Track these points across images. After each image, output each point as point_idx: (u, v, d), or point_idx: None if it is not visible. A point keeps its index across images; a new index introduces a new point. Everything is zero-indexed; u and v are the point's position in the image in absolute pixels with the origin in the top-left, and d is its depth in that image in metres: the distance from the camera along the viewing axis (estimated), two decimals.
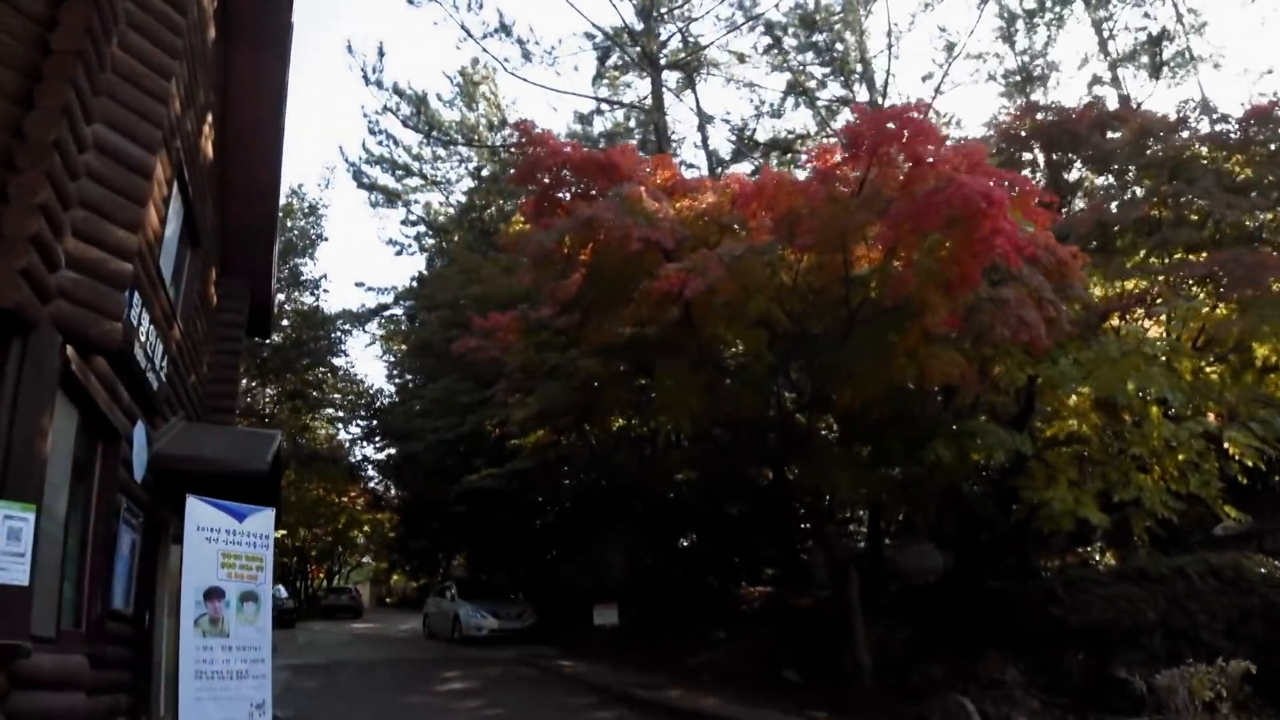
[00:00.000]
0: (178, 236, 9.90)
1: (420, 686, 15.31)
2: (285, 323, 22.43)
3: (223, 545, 7.75)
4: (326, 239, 22.65)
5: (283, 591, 33.25)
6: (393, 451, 30.87)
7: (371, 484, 36.94)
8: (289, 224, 22.22)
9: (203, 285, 11.95)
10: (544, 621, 23.30)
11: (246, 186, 12.34)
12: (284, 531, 40.76)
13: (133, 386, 7.85)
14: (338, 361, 31.71)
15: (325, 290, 23.13)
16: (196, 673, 7.25)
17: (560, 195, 14.12)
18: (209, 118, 10.54)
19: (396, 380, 31.31)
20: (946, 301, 10.54)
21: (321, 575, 60.88)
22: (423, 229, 32.72)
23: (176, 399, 10.47)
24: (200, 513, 7.67)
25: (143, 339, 7.86)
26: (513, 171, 15.82)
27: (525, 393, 16.22)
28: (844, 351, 11.81)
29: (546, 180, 14.11)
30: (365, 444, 32.68)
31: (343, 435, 35.59)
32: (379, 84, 31.45)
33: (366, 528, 50.83)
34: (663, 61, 28.47)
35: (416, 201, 31.72)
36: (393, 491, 36.88)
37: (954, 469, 12.14)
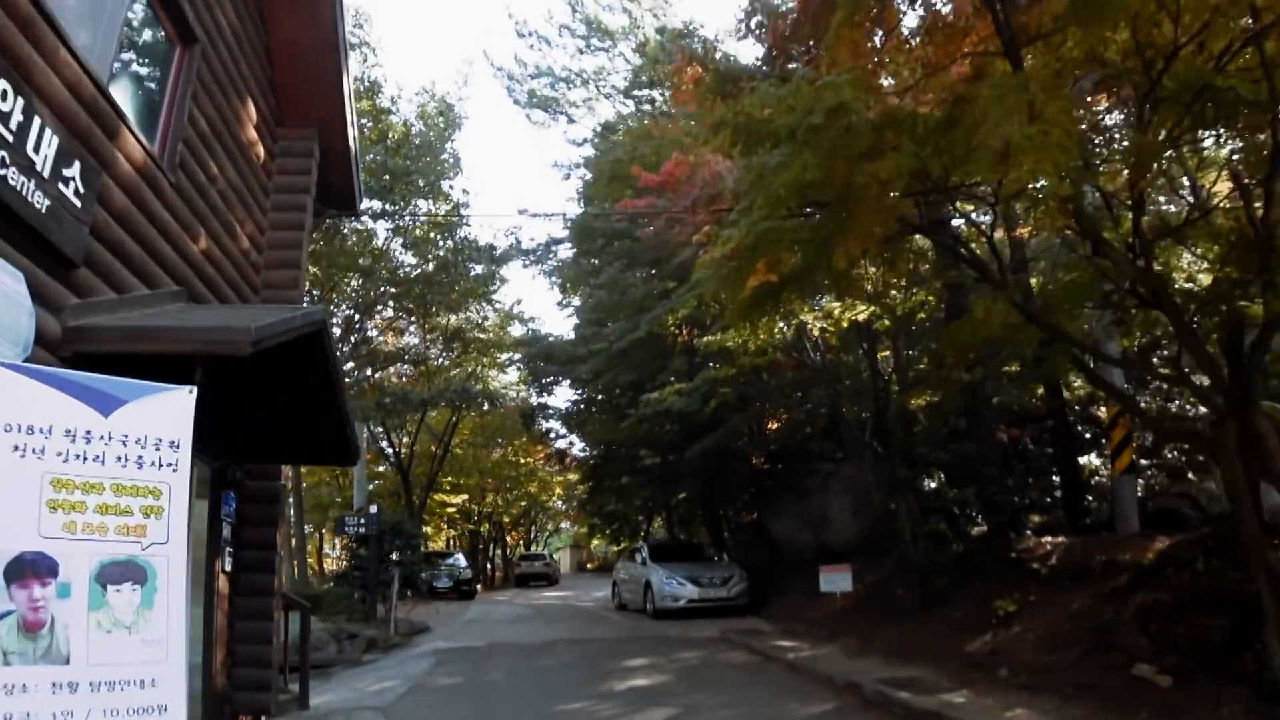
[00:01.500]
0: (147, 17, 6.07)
1: (589, 683, 11.15)
2: (437, 248, 18.67)
3: (57, 465, 3.57)
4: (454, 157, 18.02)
5: (461, 560, 30.36)
6: (572, 395, 27.08)
7: (555, 441, 33.51)
8: (420, 125, 18.42)
9: (228, 121, 8.04)
10: (753, 589, 18.80)
11: None
12: (465, 496, 38.22)
13: None
14: (501, 298, 28.43)
15: (466, 206, 19.44)
16: None
17: None
18: None
19: (571, 318, 27.34)
20: None
21: (519, 542, 59.24)
22: (584, 151, 28.55)
23: (165, 269, 6.58)
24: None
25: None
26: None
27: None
28: None
29: None
30: (541, 393, 29.07)
31: (512, 379, 32.19)
32: None
33: (559, 490, 48.11)
34: None
35: (577, 110, 27.52)
36: (577, 446, 33.38)
37: None
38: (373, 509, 16.81)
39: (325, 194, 10.38)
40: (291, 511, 20.13)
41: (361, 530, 16.71)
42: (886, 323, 13.68)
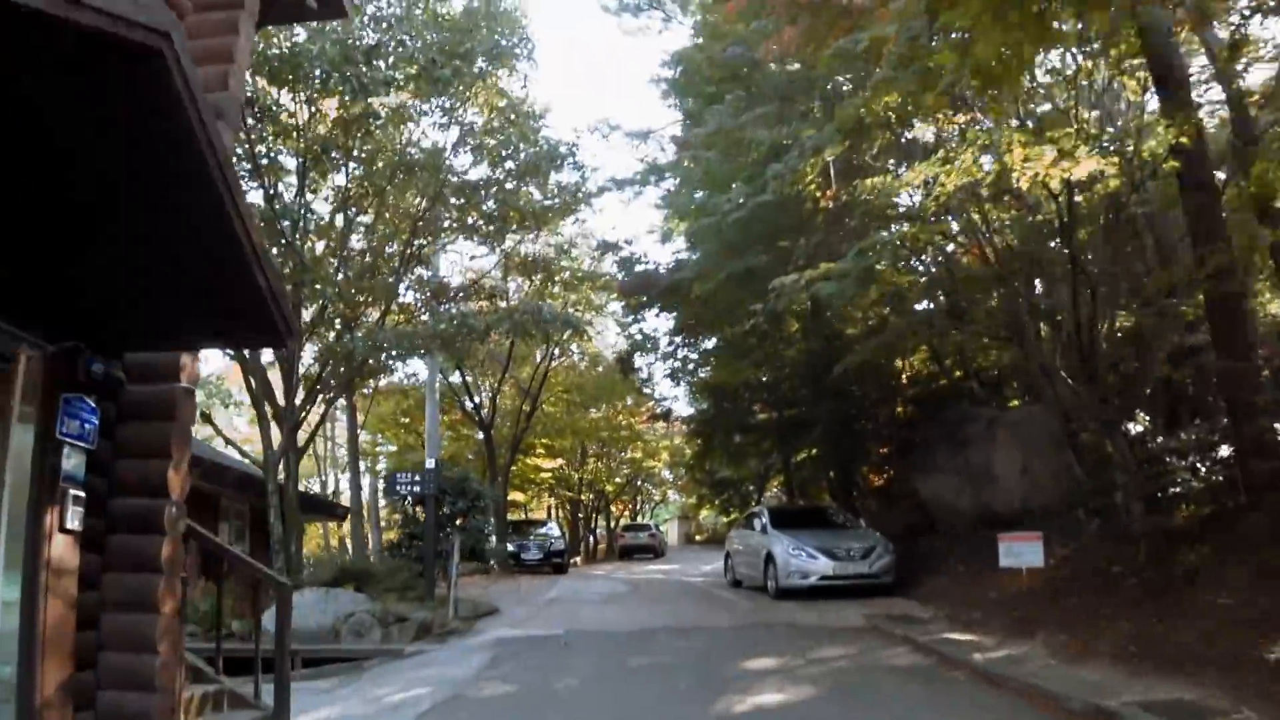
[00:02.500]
0: None
1: (698, 698, 7.67)
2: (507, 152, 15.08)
3: None
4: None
5: (554, 530, 27.20)
6: (676, 338, 23.34)
7: (654, 389, 29.85)
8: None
9: None
10: (898, 562, 14.99)
11: None
12: (561, 461, 35.18)
13: None
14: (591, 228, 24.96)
15: (541, 114, 16.00)
16: None
17: None
18: None
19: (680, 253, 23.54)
20: None
21: (625, 513, 56.42)
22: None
23: None
24: None
25: None
26: None
27: None
28: None
29: None
30: (639, 337, 25.45)
31: (607, 327, 28.78)
32: None
33: (665, 454, 44.82)
34: None
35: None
36: (682, 403, 29.92)
37: None
38: (429, 463, 13.67)
39: None
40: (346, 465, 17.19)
41: (416, 489, 13.64)
42: (1114, 181, 9.54)
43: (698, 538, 67.82)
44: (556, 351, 26.65)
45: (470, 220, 15.84)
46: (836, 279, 10.14)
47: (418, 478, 13.53)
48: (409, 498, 14.16)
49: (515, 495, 35.99)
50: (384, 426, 27.54)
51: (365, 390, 19.27)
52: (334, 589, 13.81)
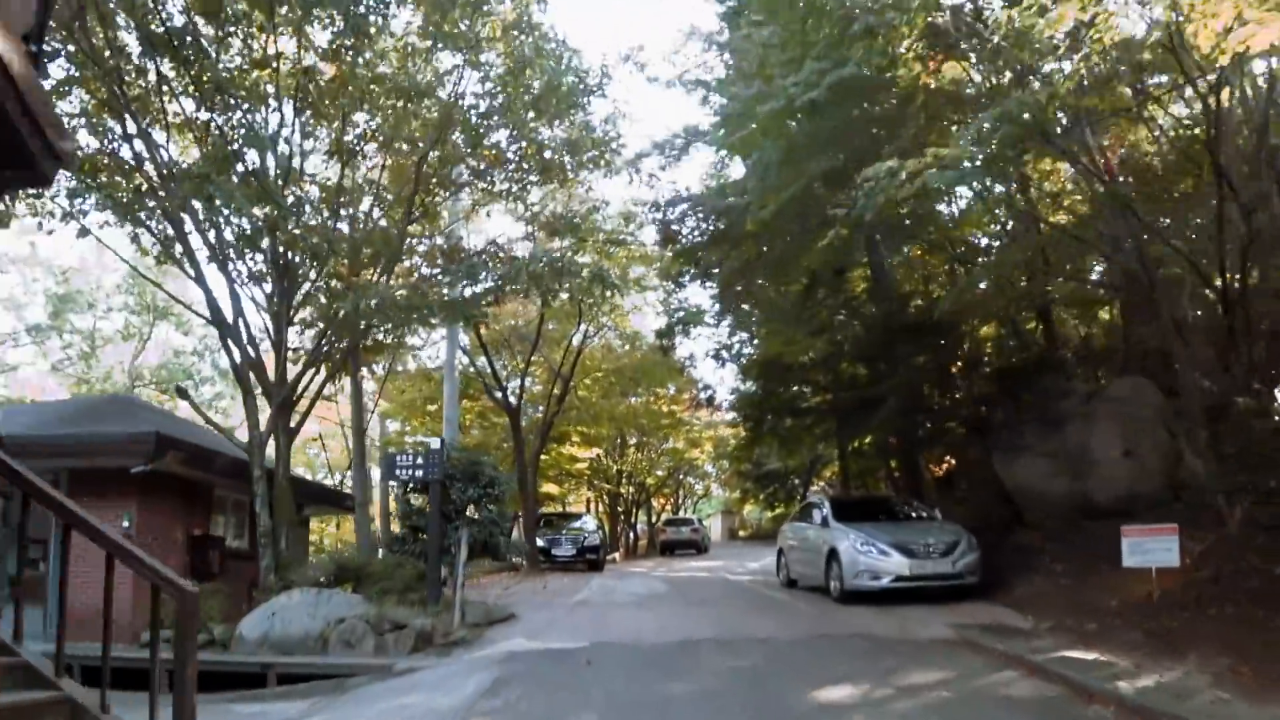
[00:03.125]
0: None
1: None
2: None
3: None
4: None
5: (589, 524, 25.13)
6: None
7: (695, 368, 27.66)
8: None
9: None
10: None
11: None
12: (598, 451, 33.12)
13: None
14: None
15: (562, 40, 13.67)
16: None
17: None
18: None
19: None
20: None
21: (667, 507, 54.31)
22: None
23: None
24: None
25: None
26: None
27: None
28: None
29: None
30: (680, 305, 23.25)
31: (645, 307, 26.62)
32: None
33: (709, 445, 42.62)
34: None
35: None
36: (727, 386, 27.72)
37: None
38: (434, 443, 11.62)
39: None
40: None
41: (419, 473, 11.65)
42: None
43: (741, 533, 65.68)
44: (590, 331, 24.55)
45: (482, 166, 13.76)
46: (951, 166, 7.67)
47: (420, 460, 11.55)
48: (411, 484, 12.21)
49: (549, 488, 33.99)
50: (409, 413, 25.69)
51: (377, 367, 17.31)
52: (327, 590, 11.94)
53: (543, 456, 29.41)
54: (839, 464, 24.49)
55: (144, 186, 11.99)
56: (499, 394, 21.75)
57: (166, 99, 11.87)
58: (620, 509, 42.11)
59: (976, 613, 11.27)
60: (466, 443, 25.82)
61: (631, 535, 45.11)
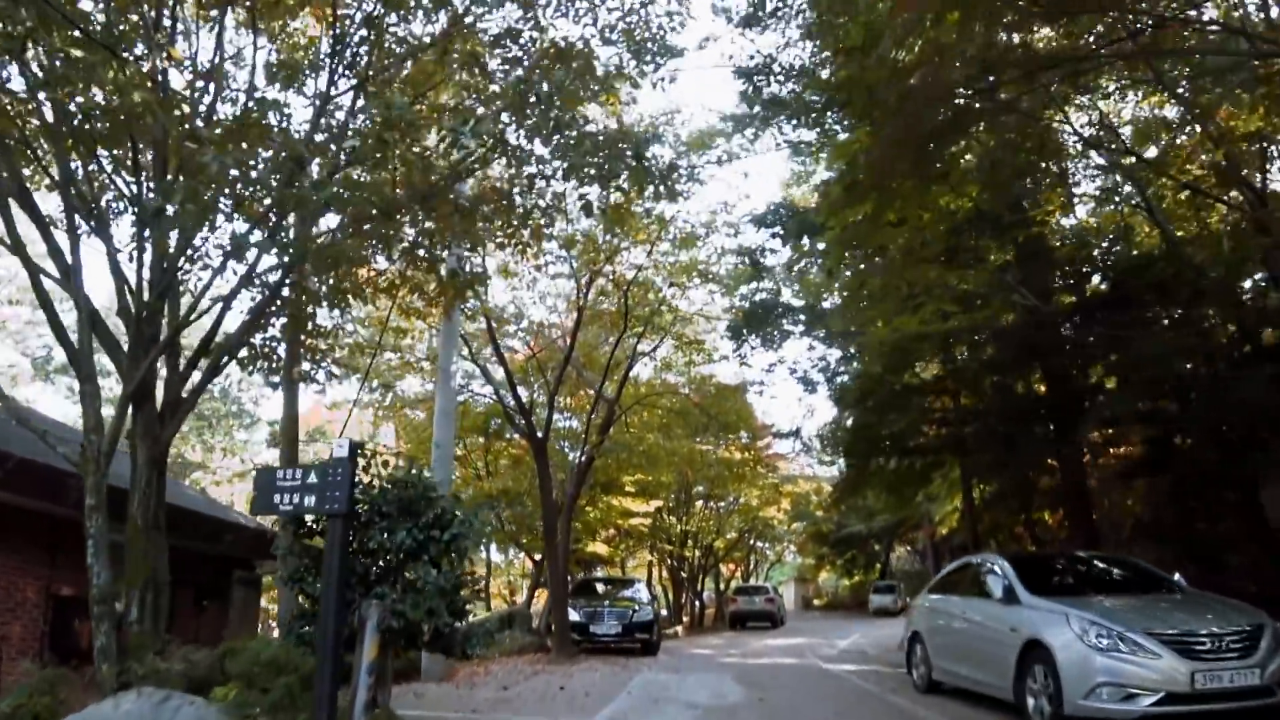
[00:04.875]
0: None
1: None
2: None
3: None
4: None
5: (641, 594, 19.67)
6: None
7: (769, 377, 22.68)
8: None
9: None
10: None
11: None
12: (658, 503, 27.81)
13: None
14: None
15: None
16: None
17: None
18: None
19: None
20: None
21: (737, 573, 48.69)
22: None
23: None
24: None
25: None
26: None
27: None
28: None
29: None
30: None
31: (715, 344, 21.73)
32: None
33: (786, 503, 37.15)
34: None
35: None
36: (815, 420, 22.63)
37: None
38: (340, 447, 6.43)
39: None
40: None
41: (309, 501, 6.50)
42: None
43: (816, 602, 60.70)
44: (644, 344, 19.46)
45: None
46: None
47: (313, 480, 6.49)
48: (304, 523, 7.28)
49: (598, 548, 28.70)
50: (415, 448, 20.80)
51: (330, 365, 12.34)
52: (178, 697, 7.10)
53: (591, 510, 24.27)
54: (965, 514, 18.80)
55: None
56: (521, 419, 16.76)
57: None
58: (685, 574, 36.63)
59: None
60: (487, 488, 20.84)
61: (697, 604, 39.58)
